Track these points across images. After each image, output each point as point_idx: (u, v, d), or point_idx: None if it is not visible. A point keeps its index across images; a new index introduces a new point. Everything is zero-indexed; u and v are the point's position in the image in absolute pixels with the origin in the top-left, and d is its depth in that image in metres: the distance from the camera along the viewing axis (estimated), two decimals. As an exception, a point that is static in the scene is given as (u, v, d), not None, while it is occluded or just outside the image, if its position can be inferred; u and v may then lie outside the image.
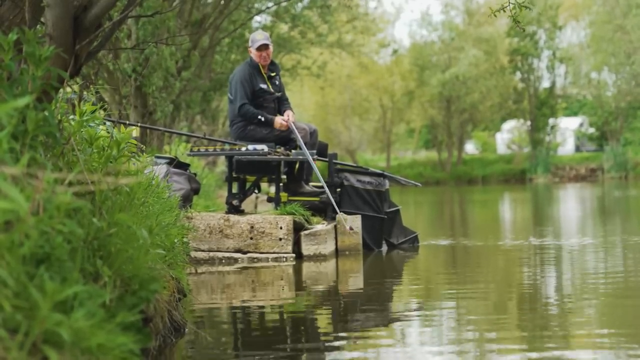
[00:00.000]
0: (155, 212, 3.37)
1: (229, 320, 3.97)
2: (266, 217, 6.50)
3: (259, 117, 7.16)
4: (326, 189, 6.93)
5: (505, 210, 15.12)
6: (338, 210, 6.76)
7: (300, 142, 6.99)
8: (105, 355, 1.86)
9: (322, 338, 3.47)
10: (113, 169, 2.89)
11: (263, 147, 6.91)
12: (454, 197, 22.07)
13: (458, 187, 32.78)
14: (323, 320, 4.01)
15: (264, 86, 7.30)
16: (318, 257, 6.43)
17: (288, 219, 6.44)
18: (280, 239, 6.37)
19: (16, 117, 2.07)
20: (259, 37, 7.29)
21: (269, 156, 6.91)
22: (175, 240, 3.68)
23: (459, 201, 19.28)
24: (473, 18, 41.40)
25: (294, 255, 6.37)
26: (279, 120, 7.19)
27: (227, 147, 7.34)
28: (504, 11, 4.37)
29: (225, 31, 14.90)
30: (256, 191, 7.51)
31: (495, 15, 4.40)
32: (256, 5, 16.59)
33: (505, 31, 40.15)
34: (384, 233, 7.17)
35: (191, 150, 7.63)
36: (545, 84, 41.45)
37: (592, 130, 44.16)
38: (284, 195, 7.13)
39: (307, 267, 5.99)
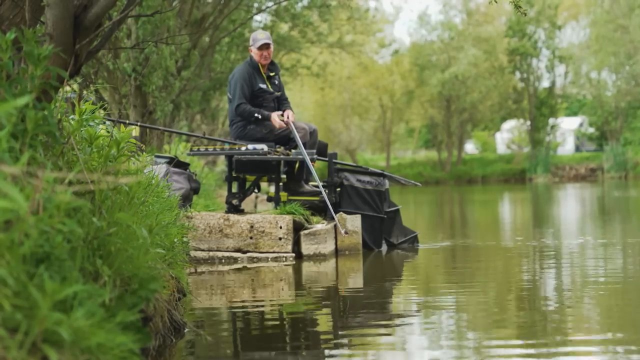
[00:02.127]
0: (155, 211, 3.36)
1: (228, 320, 3.97)
2: (266, 216, 6.50)
3: (256, 114, 7.15)
4: (322, 191, 6.92)
5: (505, 211, 15.13)
6: (334, 214, 6.73)
7: (299, 142, 6.99)
8: (105, 354, 1.86)
9: (322, 338, 3.47)
10: (113, 169, 2.89)
11: (263, 147, 6.91)
12: (453, 196, 22.08)
13: (458, 186, 32.78)
14: (323, 320, 4.01)
15: (263, 86, 7.30)
16: (318, 257, 6.42)
17: (288, 218, 6.43)
18: (280, 239, 6.37)
19: (16, 116, 2.07)
20: (260, 36, 7.29)
21: (268, 156, 6.91)
22: (175, 240, 3.68)
23: (459, 201, 19.28)
24: (472, 18, 41.42)
25: (293, 254, 6.37)
26: (275, 116, 7.17)
27: (226, 146, 7.34)
28: None
29: (225, 30, 14.90)
30: (256, 191, 7.51)
31: (496, 2, 4.37)
32: (256, 4, 16.59)
33: (504, 31, 40.20)
34: (383, 233, 7.17)
35: (191, 150, 7.62)
36: (545, 83, 41.52)
37: (591, 130, 44.20)
38: (283, 195, 7.13)
39: (307, 267, 5.99)
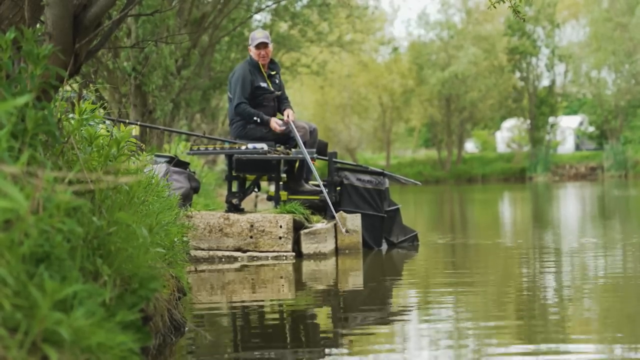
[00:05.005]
0: (155, 210, 3.36)
1: (228, 319, 3.97)
2: (266, 215, 6.50)
3: (255, 117, 7.15)
4: (323, 189, 6.92)
5: (505, 210, 15.12)
6: (335, 213, 6.74)
7: (299, 141, 6.98)
8: (105, 354, 1.86)
9: (322, 337, 3.47)
10: (113, 168, 2.89)
11: (263, 146, 6.91)
12: (453, 196, 22.07)
13: (458, 185, 32.78)
14: (323, 319, 4.01)
15: (263, 84, 7.29)
16: (318, 256, 6.42)
17: (288, 217, 6.43)
18: (280, 238, 6.37)
19: (16, 115, 2.06)
20: (258, 35, 7.29)
21: (268, 155, 6.90)
22: (175, 239, 3.68)
23: (459, 200, 19.28)
24: (472, 16, 41.40)
25: (293, 253, 6.37)
26: (274, 123, 7.17)
27: (226, 145, 7.34)
28: (504, 1, 4.33)
29: (225, 30, 14.89)
30: (256, 190, 7.50)
31: (494, 7, 4.35)
32: (255, 3, 16.57)
33: (503, 30, 40.18)
34: (383, 232, 7.17)
35: (191, 149, 7.62)
36: (545, 82, 41.52)
37: (591, 128, 44.19)
38: (283, 194, 7.13)
39: (307, 266, 5.99)
